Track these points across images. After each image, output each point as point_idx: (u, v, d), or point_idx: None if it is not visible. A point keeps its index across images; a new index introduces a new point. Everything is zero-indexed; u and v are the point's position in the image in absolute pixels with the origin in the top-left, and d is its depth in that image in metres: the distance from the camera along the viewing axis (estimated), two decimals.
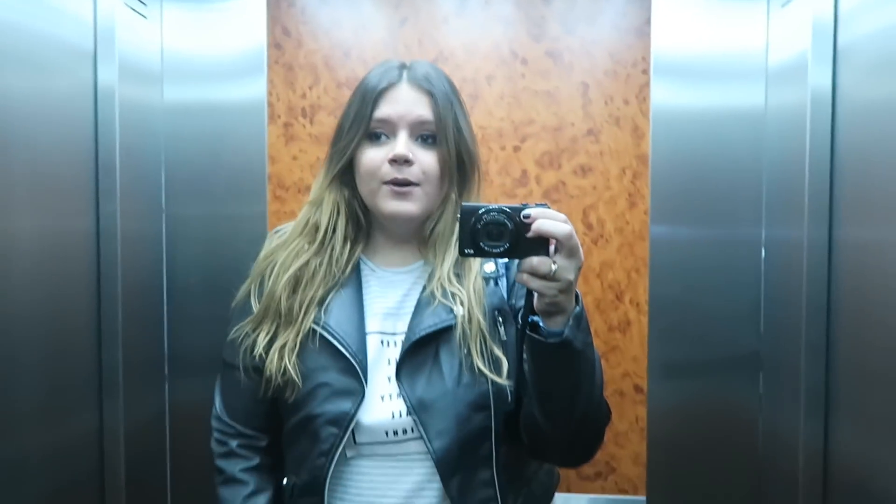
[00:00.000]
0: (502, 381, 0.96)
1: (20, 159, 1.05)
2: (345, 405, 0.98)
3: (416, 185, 1.00)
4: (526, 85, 1.95)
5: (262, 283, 1.05)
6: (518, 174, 1.95)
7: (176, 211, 1.41)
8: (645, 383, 1.80)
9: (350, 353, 0.99)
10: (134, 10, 1.29)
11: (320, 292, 1.02)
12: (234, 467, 1.08)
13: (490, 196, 1.94)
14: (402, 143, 0.98)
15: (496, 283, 1.04)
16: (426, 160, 1.00)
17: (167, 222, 1.40)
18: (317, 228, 1.05)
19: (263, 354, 1.00)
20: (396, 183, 0.99)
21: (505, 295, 1.03)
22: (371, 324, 1.03)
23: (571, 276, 0.83)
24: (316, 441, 0.98)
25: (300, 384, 0.98)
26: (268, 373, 0.99)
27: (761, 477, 1.54)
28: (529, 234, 0.82)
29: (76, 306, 1.20)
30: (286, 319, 1.01)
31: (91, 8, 1.19)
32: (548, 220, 0.82)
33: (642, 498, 1.79)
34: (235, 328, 1.04)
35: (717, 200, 1.49)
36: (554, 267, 0.82)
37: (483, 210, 0.84)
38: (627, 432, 1.88)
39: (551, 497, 1.11)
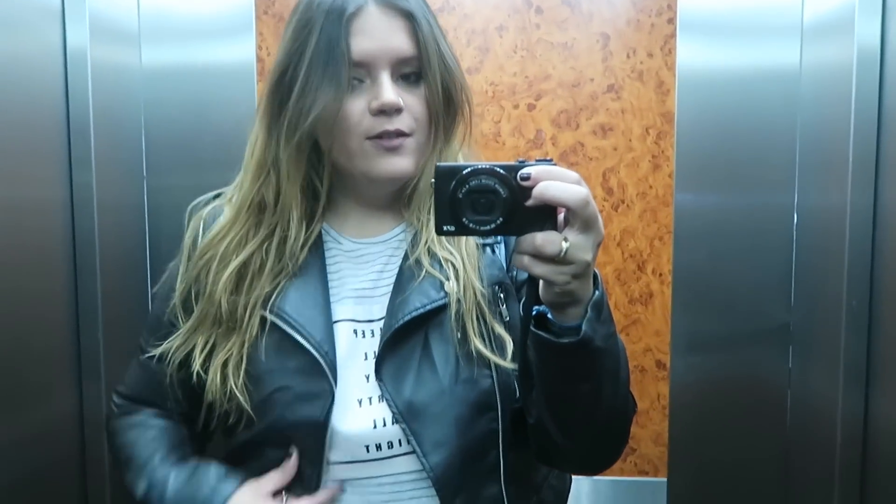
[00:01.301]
0: (508, 363, 0.81)
1: None
2: (311, 411, 0.82)
3: (408, 135, 0.83)
4: (541, 36, 1.86)
5: (197, 281, 0.88)
6: (532, 135, 1.87)
7: (158, 180, 1.36)
8: (668, 359, 1.73)
9: (313, 345, 0.83)
10: None
11: (267, 289, 0.85)
12: (138, 416, 0.94)
13: (502, 160, 1.86)
14: (388, 89, 0.80)
15: (493, 251, 0.88)
16: (414, 104, 0.83)
17: (149, 192, 1.36)
18: (261, 208, 0.87)
19: (202, 373, 0.84)
20: (387, 136, 0.82)
21: (504, 265, 0.87)
22: (340, 310, 0.87)
23: (589, 256, 0.66)
24: (278, 463, 0.84)
25: (249, 407, 0.83)
26: (209, 397, 0.84)
27: (790, 455, 1.49)
28: (530, 202, 0.65)
29: (50, 283, 1.16)
30: (227, 327, 0.85)
31: None
32: (554, 183, 0.64)
33: (663, 479, 1.74)
34: (167, 341, 0.89)
35: (748, 164, 1.41)
36: (565, 245, 0.64)
37: (466, 171, 0.66)
38: (648, 411, 1.83)
39: (564, 502, 0.99)
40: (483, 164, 0.67)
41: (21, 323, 1.09)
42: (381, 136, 0.82)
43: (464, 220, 0.66)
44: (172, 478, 0.90)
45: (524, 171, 0.65)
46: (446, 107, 0.86)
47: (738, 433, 1.53)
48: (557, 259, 0.65)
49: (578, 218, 0.65)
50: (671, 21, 1.79)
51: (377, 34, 0.81)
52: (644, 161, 1.84)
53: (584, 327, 0.69)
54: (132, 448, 0.93)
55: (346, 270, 0.90)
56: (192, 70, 1.40)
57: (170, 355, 0.88)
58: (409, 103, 0.83)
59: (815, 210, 1.33)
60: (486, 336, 0.83)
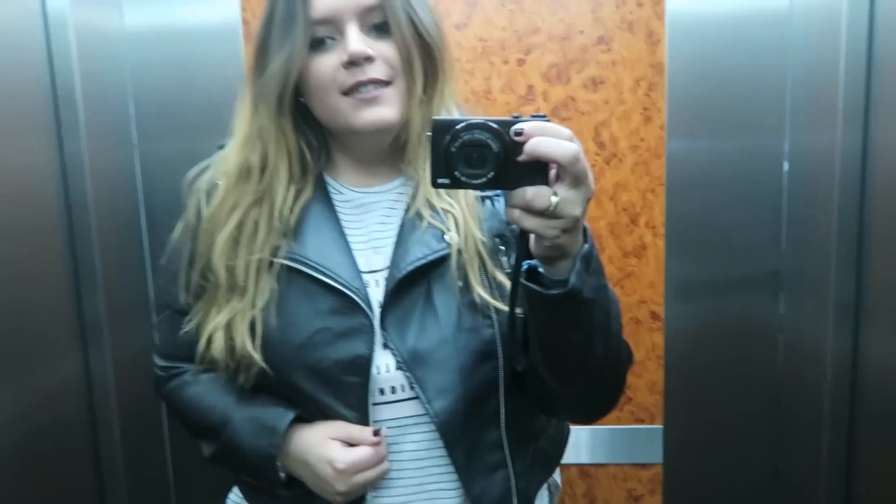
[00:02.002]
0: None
1: None
2: (357, 347, 0.85)
3: (387, 83, 0.85)
4: None
5: (204, 255, 0.92)
6: (523, 90, 1.86)
7: (149, 146, 1.36)
8: (661, 310, 1.76)
9: (343, 284, 0.85)
10: None
11: (269, 246, 0.88)
12: (188, 375, 0.98)
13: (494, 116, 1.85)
14: (354, 38, 0.82)
15: (493, 203, 0.91)
16: (387, 52, 0.85)
17: (141, 158, 1.36)
18: (249, 172, 0.90)
19: (217, 337, 0.88)
20: (361, 86, 0.84)
21: (504, 217, 0.89)
22: None
23: (578, 212, 0.68)
24: (336, 398, 0.86)
25: (265, 363, 0.86)
26: (216, 355, 0.89)
27: (782, 398, 1.52)
28: (522, 158, 0.66)
29: (48, 251, 1.17)
30: (230, 288, 0.88)
31: None
32: (546, 139, 0.66)
33: (659, 427, 1.78)
34: (187, 323, 0.94)
35: (738, 110, 1.41)
36: (555, 200, 0.66)
37: (461, 126, 0.67)
38: (644, 361, 1.86)
39: (562, 452, 1.03)
40: (477, 118, 0.68)
41: (23, 291, 1.11)
42: (356, 88, 0.84)
43: (456, 173, 0.68)
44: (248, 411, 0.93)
45: (517, 126, 0.67)
46: (422, 51, 0.87)
47: (731, 379, 1.56)
48: (547, 213, 0.67)
49: (569, 173, 0.67)
50: None
51: None
52: (635, 113, 1.83)
53: (571, 279, 0.71)
54: (200, 403, 0.97)
55: (348, 220, 0.93)
56: (178, 32, 1.39)
57: (194, 330, 0.93)
58: (382, 51, 0.85)
59: (806, 155, 1.33)
60: (487, 284, 0.86)
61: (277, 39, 0.83)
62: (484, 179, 0.68)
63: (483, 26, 1.85)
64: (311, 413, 0.91)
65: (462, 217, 0.86)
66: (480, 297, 0.84)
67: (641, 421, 1.89)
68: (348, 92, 0.84)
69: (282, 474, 0.91)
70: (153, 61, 1.34)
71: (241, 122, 0.91)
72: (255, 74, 0.88)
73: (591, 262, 0.72)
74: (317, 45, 0.84)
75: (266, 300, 0.87)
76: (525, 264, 0.75)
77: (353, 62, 0.83)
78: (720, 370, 1.56)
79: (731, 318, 1.52)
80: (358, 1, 0.83)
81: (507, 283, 0.86)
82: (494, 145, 0.67)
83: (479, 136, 0.67)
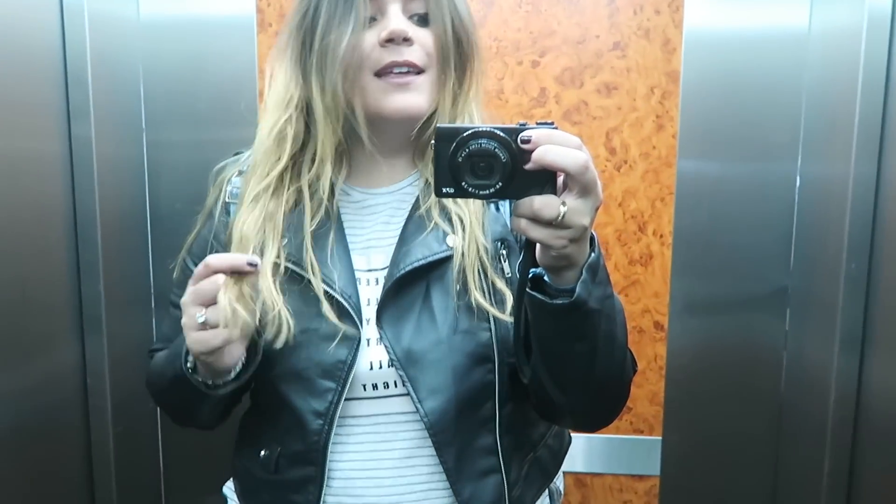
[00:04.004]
0: (506, 317, 0.84)
1: None
2: (339, 352, 0.85)
3: (421, 70, 0.86)
4: None
5: (225, 242, 0.94)
6: (536, 93, 1.86)
7: (157, 134, 1.37)
8: (666, 320, 1.76)
9: (337, 292, 0.86)
10: None
11: (286, 243, 0.90)
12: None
13: (505, 118, 1.85)
14: (396, 17, 0.83)
15: (497, 208, 0.91)
16: (425, 39, 0.86)
17: (148, 146, 1.37)
18: (283, 138, 0.90)
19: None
20: (396, 67, 0.84)
21: (508, 221, 0.90)
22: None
23: (586, 221, 0.67)
24: (306, 400, 0.87)
25: (291, 325, 0.85)
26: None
27: (783, 416, 1.53)
28: (529, 166, 0.65)
29: (50, 236, 1.18)
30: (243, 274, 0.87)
31: None
32: (555, 147, 0.64)
33: (658, 438, 1.78)
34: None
35: (752, 126, 1.42)
36: (563, 209, 0.65)
37: (467, 134, 0.66)
38: (645, 371, 1.86)
39: (561, 463, 1.02)
40: (484, 126, 0.67)
41: (23, 276, 1.11)
42: (390, 69, 0.84)
43: (463, 183, 0.66)
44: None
45: (524, 134, 0.65)
46: (457, 47, 0.88)
47: (734, 394, 1.57)
48: (555, 223, 0.66)
49: (577, 183, 0.65)
50: None
51: None
52: (648, 121, 1.83)
53: (577, 289, 0.70)
54: (153, 369, 0.98)
55: (351, 222, 0.93)
56: (191, 22, 1.40)
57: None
58: (421, 38, 0.85)
59: (818, 175, 1.33)
60: (486, 290, 0.85)
61: (334, 14, 0.83)
62: (492, 190, 0.67)
63: (498, 26, 1.85)
64: (278, 413, 0.91)
65: (469, 221, 0.86)
66: (477, 302, 0.84)
67: (640, 432, 1.90)
68: (381, 73, 0.85)
69: (188, 362, 0.87)
70: (166, 51, 1.35)
71: (277, 101, 0.90)
72: (297, 48, 0.88)
73: (597, 271, 0.71)
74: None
75: (270, 287, 0.88)
76: (530, 272, 0.74)
77: (392, 40, 0.83)
78: (722, 384, 1.56)
79: (735, 333, 1.53)
80: None
81: (507, 291, 0.85)
82: (502, 155, 0.65)
83: (487, 145, 0.65)
